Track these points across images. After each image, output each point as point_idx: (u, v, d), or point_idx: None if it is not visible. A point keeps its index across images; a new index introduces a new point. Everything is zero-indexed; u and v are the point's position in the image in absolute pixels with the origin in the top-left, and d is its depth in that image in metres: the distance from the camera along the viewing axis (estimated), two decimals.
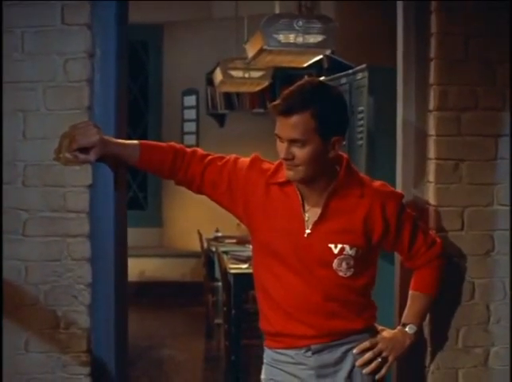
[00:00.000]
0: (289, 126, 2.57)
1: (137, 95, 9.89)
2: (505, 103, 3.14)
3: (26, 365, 3.00)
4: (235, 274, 6.18)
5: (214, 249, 7.47)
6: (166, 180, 2.92)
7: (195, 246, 8.37)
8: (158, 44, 9.78)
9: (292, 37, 5.10)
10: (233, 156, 2.89)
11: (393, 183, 3.24)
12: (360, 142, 3.89)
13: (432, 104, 3.12)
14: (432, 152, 3.12)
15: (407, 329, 2.89)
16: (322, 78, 5.12)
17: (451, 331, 3.14)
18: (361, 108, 3.91)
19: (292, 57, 5.44)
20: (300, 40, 5.10)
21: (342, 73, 4.41)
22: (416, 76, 3.21)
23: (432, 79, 3.13)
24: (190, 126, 9.96)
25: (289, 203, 2.74)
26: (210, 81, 8.91)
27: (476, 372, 3.18)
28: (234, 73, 7.23)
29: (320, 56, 5.61)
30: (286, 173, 2.67)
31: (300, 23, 5.10)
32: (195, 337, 7.79)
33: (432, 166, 3.11)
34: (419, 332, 2.94)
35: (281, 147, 2.63)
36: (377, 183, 2.78)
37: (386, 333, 2.87)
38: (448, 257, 3.01)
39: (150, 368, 6.68)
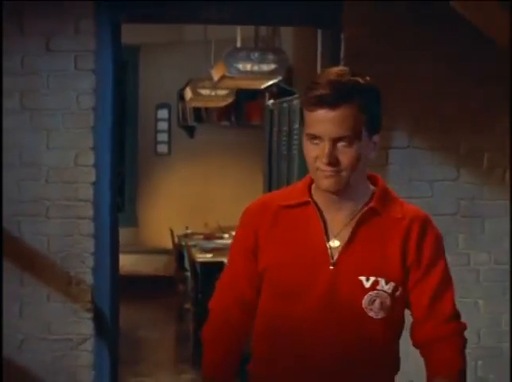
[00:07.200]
0: (337, 120, 2.01)
1: None
2: (395, 122, 4.20)
3: (49, 312, 4.06)
4: (201, 263, 6.79)
5: (184, 243, 7.89)
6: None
7: (167, 244, 8.79)
8: (135, 63, 10.08)
9: (249, 66, 5.79)
10: (237, 247, 2.27)
11: None
12: (295, 152, 4.94)
13: None
14: None
15: None
16: (271, 101, 6.11)
17: None
18: (296, 126, 4.95)
19: (250, 81, 6.20)
20: (256, 68, 5.79)
21: (283, 99, 5.46)
22: None
23: None
24: (163, 137, 10.31)
25: (308, 228, 2.14)
26: (181, 97, 9.32)
27: None
28: (203, 91, 7.76)
29: (275, 81, 6.49)
30: (323, 183, 2.06)
31: (256, 55, 5.82)
32: (167, 321, 8.19)
33: None
34: None
35: (320, 150, 2.03)
36: (415, 207, 2.20)
37: None
38: None
39: (127, 347, 7.05)
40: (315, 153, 2.04)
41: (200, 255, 7.08)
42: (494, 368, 4.42)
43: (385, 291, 2.09)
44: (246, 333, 2.26)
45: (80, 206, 4.04)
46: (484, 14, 3.45)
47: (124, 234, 10.25)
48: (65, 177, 4.04)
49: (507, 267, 4.36)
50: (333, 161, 2.02)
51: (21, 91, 4.01)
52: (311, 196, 2.14)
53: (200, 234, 8.35)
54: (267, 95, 7.55)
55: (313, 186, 2.16)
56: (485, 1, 3.33)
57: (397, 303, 2.12)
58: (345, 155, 2.03)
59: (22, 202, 4.03)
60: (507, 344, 4.39)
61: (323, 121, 2.02)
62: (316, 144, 2.04)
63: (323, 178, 2.05)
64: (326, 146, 2.02)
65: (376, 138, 2.10)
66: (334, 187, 2.06)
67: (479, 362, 4.37)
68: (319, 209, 2.13)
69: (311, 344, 2.11)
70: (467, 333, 2.12)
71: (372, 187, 2.16)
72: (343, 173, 2.04)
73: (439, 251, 2.16)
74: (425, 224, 2.14)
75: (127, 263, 9.77)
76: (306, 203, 2.14)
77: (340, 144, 2.02)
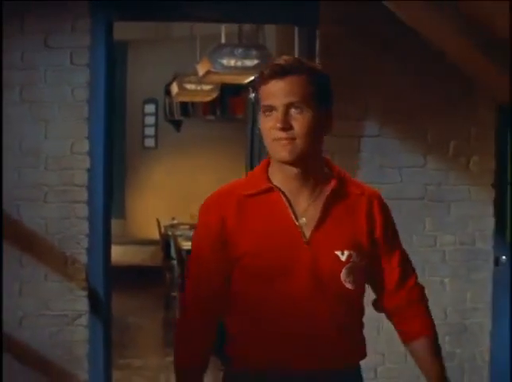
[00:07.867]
0: (287, 87, 2.12)
1: None
2: (366, 113, 4.49)
3: (46, 291, 4.29)
4: (188, 250, 6.75)
5: (170, 233, 8.18)
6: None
7: (154, 235, 9.04)
8: (123, 59, 10.15)
9: (232, 62, 6.04)
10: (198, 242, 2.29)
11: None
12: None
13: None
14: None
15: None
16: (253, 95, 6.33)
17: None
18: None
19: (234, 77, 6.47)
20: (239, 64, 6.04)
21: None
22: None
23: None
24: (150, 131, 10.57)
25: (275, 212, 2.20)
26: (168, 92, 9.47)
27: None
28: (188, 86, 7.99)
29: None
30: (279, 154, 2.14)
31: (240, 50, 6.08)
32: (155, 309, 8.43)
33: None
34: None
35: (274, 119, 2.13)
36: (367, 185, 2.35)
37: None
38: None
39: (117, 332, 7.29)
40: (269, 124, 2.13)
41: (186, 243, 7.21)
42: (461, 343, 4.68)
43: (356, 263, 2.20)
44: (217, 319, 2.27)
45: (76, 191, 4.27)
46: (413, 13, 3.67)
47: (112, 226, 10.57)
48: (62, 164, 4.27)
49: (471, 247, 4.63)
50: (286, 127, 2.11)
51: (21, 85, 4.25)
52: (270, 181, 2.21)
53: (186, 224, 8.52)
54: (250, 89, 7.34)
55: (270, 171, 2.23)
56: (413, 1, 3.56)
57: (365, 273, 2.25)
58: (298, 121, 2.12)
59: (22, 188, 4.27)
60: (471, 321, 4.68)
61: (275, 90, 2.12)
62: (270, 115, 2.13)
63: (279, 147, 2.12)
64: (279, 112, 2.11)
65: (330, 111, 2.20)
66: (290, 156, 2.12)
67: (446, 338, 4.59)
68: (282, 192, 2.19)
69: (298, 320, 2.17)
70: (433, 311, 2.38)
71: (325, 168, 2.27)
72: (298, 141, 2.12)
73: (395, 226, 2.32)
74: (382, 200, 2.30)
75: (116, 254, 9.99)
76: (268, 189, 2.20)
77: (292, 110, 2.12)
